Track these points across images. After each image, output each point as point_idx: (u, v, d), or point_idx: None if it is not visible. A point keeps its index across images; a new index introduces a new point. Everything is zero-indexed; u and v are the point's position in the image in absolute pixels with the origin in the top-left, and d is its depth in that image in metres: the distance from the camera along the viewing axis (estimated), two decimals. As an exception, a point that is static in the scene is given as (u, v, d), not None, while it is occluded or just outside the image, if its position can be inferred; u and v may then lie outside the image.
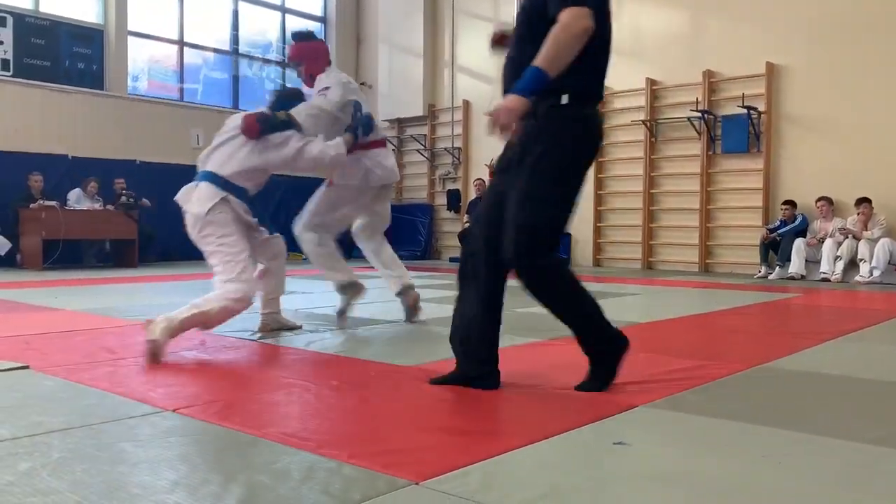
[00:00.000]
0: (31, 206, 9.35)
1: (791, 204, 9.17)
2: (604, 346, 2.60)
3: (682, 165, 10.48)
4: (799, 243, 8.78)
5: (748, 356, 3.24)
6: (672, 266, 10.51)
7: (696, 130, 10.18)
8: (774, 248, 9.10)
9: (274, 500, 1.48)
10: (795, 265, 8.73)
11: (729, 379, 2.75)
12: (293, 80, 14.33)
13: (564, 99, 2.42)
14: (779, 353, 3.32)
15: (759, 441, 1.96)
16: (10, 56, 10.20)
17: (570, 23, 2.31)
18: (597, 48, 2.43)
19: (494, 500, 1.49)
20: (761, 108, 9.62)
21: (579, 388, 2.51)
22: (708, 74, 10.08)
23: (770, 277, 8.88)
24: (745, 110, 9.58)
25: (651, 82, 10.65)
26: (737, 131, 9.81)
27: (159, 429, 2.01)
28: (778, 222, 9.23)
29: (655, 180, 10.77)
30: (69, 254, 9.67)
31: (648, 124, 10.61)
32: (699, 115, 10.02)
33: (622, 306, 5.52)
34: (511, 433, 1.98)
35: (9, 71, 10.20)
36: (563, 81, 2.37)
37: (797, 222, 9.04)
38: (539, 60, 2.32)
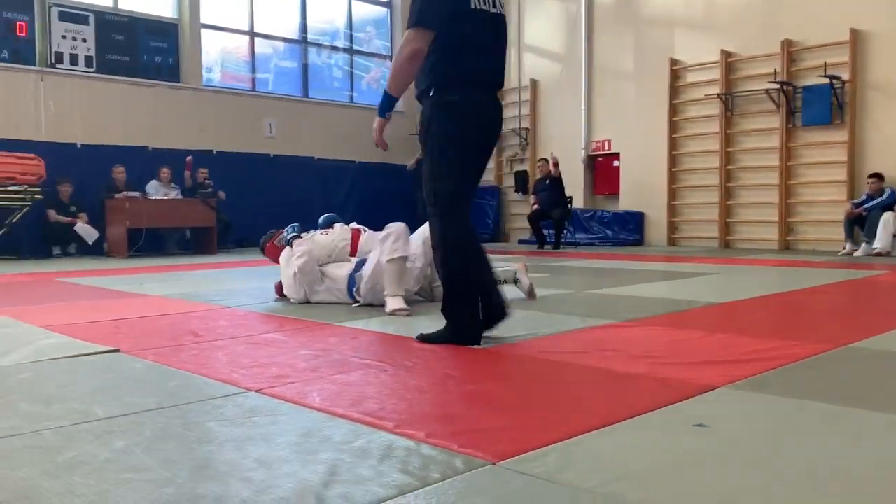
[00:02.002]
0: (116, 196, 9.76)
1: (878, 177, 8.75)
2: (454, 309, 2.99)
3: (760, 140, 10.14)
4: (887, 218, 8.38)
5: (834, 336, 3.11)
6: (751, 244, 10.20)
7: (774, 103, 9.82)
8: (860, 223, 8.72)
9: (354, 479, 1.51)
10: (882, 241, 8.35)
11: (814, 359, 2.66)
12: (360, 66, 14.47)
13: (431, 92, 2.95)
14: (867, 332, 3.18)
15: (848, 424, 1.89)
16: (92, 53, 10.62)
17: (402, 47, 2.88)
18: (455, 47, 2.90)
19: (572, 480, 1.49)
20: (845, 76, 9.20)
21: (419, 336, 3.04)
22: (787, 44, 9.68)
23: (855, 254, 8.51)
24: (827, 80, 9.18)
25: (726, 55, 10.30)
26: (818, 102, 9.41)
27: (243, 409, 2.08)
28: (864, 196, 8.83)
29: (732, 156, 10.44)
30: (152, 242, 10.07)
31: (724, 98, 10.28)
32: (778, 86, 9.65)
33: (700, 286, 5.39)
34: (588, 414, 1.96)
35: (92, 67, 10.62)
36: (429, 79, 2.93)
37: (885, 196, 8.63)
38: (386, 82, 2.98)
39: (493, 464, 1.59)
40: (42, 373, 2.57)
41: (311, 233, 4.64)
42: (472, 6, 2.91)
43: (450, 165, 2.96)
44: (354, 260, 4.47)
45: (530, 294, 4.47)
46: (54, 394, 2.26)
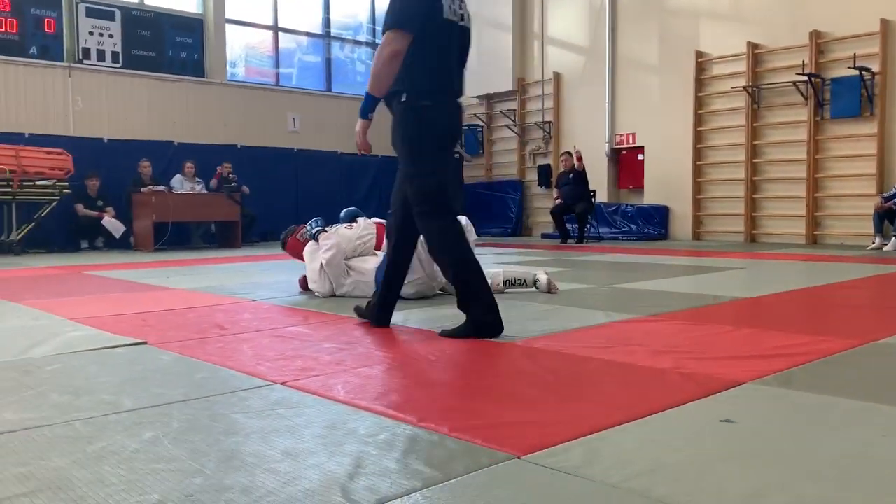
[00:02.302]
0: (142, 190, 9.87)
1: (909, 170, 8.60)
2: (468, 302, 3.05)
3: (787, 133, 10.00)
4: (917, 212, 8.24)
5: (863, 331, 3.07)
6: (777, 238, 10.09)
7: (802, 95, 9.68)
8: (890, 217, 8.58)
9: (379, 471, 1.52)
10: (913, 235, 8.21)
11: (843, 355, 2.62)
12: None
13: (403, 97, 3.03)
14: (897, 328, 3.13)
15: (878, 420, 1.86)
16: (119, 48, 10.74)
17: (381, 49, 2.97)
18: (429, 54, 3.00)
19: (597, 475, 1.48)
20: (875, 68, 9.04)
21: (442, 332, 3.06)
22: (815, 35, 9.54)
23: (885, 249, 8.37)
24: (856, 72, 9.03)
25: (752, 46, 10.17)
26: (848, 94, 9.26)
27: (268, 401, 2.09)
28: (893, 190, 8.68)
29: (758, 149, 10.32)
30: (178, 235, 10.18)
31: (750, 91, 10.15)
32: (806, 78, 9.51)
33: (725, 281, 5.33)
34: (613, 409, 1.96)
35: (119, 63, 10.74)
36: (401, 84, 3.01)
37: (915, 189, 8.48)
38: (367, 84, 3.02)
39: (518, 457, 1.59)
40: (71, 364, 2.61)
41: (335, 227, 4.66)
42: (445, 16, 3.02)
43: (432, 162, 3.09)
44: (381, 253, 4.49)
45: (550, 289, 4.49)
46: (83, 385, 2.30)
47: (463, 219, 4.14)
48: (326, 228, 4.59)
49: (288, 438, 1.75)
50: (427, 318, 3.62)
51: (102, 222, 9.75)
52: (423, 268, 4.22)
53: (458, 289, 3.10)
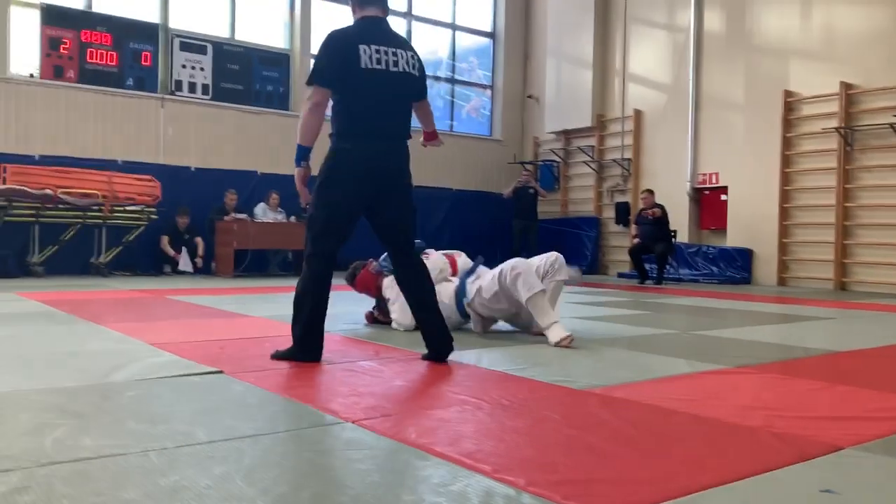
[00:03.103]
0: (226, 218, 10.16)
1: None
2: (297, 337, 3.34)
3: (882, 177, 9.54)
4: None
5: (976, 395, 2.82)
6: (871, 287, 9.57)
7: (899, 138, 9.22)
8: None
9: (453, 526, 1.44)
10: None
11: (955, 422, 2.40)
12: (461, 95, 14.62)
13: (332, 139, 3.34)
14: None
15: None
16: (209, 81, 11.18)
17: (304, 104, 3.32)
18: (348, 101, 3.31)
19: (687, 546, 1.37)
20: (980, 110, 8.54)
21: (273, 355, 3.35)
22: (914, 75, 9.10)
23: None
24: (958, 114, 8.54)
25: (846, 86, 9.79)
26: (949, 137, 8.76)
27: (340, 440, 2.05)
28: None
29: (851, 193, 9.87)
30: (256, 263, 10.42)
31: (843, 132, 9.74)
32: (903, 120, 9.06)
33: (815, 331, 5.05)
34: (701, 469, 1.83)
35: (208, 95, 11.17)
36: (332, 127, 3.35)
37: None
38: (298, 135, 3.32)
39: (599, 520, 1.49)
40: (150, 391, 2.65)
41: None
42: (363, 66, 3.25)
43: (327, 200, 3.33)
44: (454, 279, 4.46)
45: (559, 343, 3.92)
46: (160, 413, 2.32)
47: (554, 254, 4.31)
48: None
49: (358, 482, 1.69)
50: (500, 358, 3.53)
51: (179, 266, 10.03)
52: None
53: (294, 313, 3.35)
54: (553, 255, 4.32)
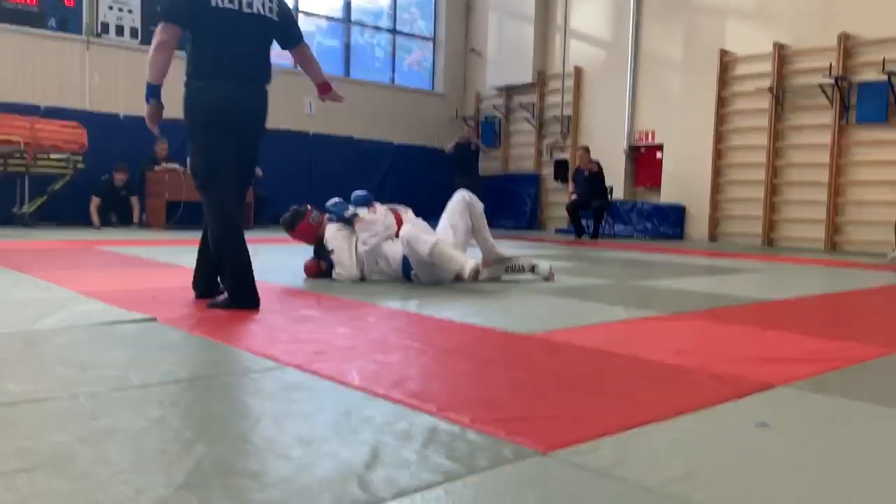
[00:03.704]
0: (156, 168, 9.81)
1: (934, 178, 8.44)
2: (216, 280, 3.43)
3: (810, 136, 9.84)
4: (942, 221, 8.07)
5: (893, 340, 2.96)
6: (796, 243, 9.94)
7: (827, 98, 9.51)
8: (912, 226, 8.41)
9: (399, 462, 1.43)
10: (936, 245, 8.05)
11: (877, 361, 2.52)
12: (403, 47, 14.37)
13: (186, 80, 3.34)
14: (931, 337, 3.02)
15: (923, 431, 1.76)
16: (138, 24, 10.62)
17: (153, 39, 3.29)
18: (200, 42, 3.30)
19: (631, 476, 1.39)
20: (904, 73, 8.86)
21: (209, 304, 3.29)
22: (844, 37, 9.36)
23: (906, 258, 8.21)
24: (885, 76, 8.85)
25: (779, 47, 10.00)
26: (875, 99, 9.10)
27: (281, 384, 2.01)
28: (918, 198, 8.52)
29: (780, 151, 10.16)
30: (190, 215, 10.12)
31: (774, 91, 9.98)
32: (832, 81, 9.33)
33: (745, 282, 5.22)
34: (642, 407, 1.86)
35: (137, 38, 10.63)
36: (187, 68, 3.33)
37: (941, 199, 8.31)
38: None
39: (543, 454, 1.50)
40: (79, 338, 2.54)
41: (350, 209, 4.57)
42: (214, 4, 3.22)
43: (201, 144, 3.31)
44: (402, 238, 4.42)
45: (549, 276, 4.62)
46: (90, 359, 2.23)
47: (465, 193, 4.57)
48: (358, 213, 4.49)
49: (301, 424, 1.66)
50: (443, 306, 3.53)
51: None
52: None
53: (218, 261, 3.34)
54: (459, 195, 4.48)
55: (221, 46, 3.29)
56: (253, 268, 3.32)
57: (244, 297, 3.26)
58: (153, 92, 3.34)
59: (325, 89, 3.86)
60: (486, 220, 4.61)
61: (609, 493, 1.32)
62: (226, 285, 3.32)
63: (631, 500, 1.30)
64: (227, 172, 3.35)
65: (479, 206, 4.58)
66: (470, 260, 4.11)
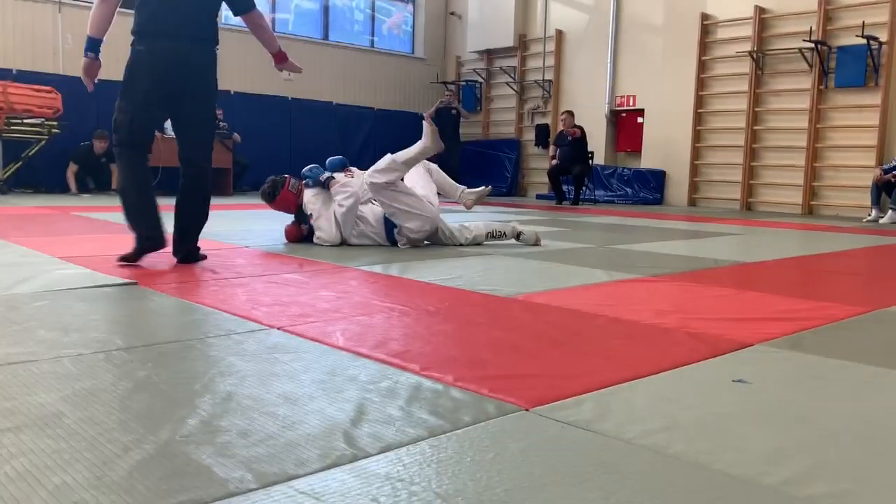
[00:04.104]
0: (133, 133, 9.65)
1: (910, 143, 8.54)
2: (130, 223, 3.40)
3: (789, 100, 9.89)
4: (917, 185, 8.19)
5: (869, 299, 3.03)
6: (773, 207, 10.05)
7: (807, 63, 9.55)
8: (888, 189, 8.55)
9: (383, 419, 1.45)
10: (911, 209, 8.18)
11: (851, 321, 2.57)
12: (382, 10, 14.15)
13: (132, 40, 3.35)
14: (903, 297, 3.09)
15: (894, 385, 1.81)
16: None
17: None
18: (141, 3, 3.31)
19: (610, 430, 1.42)
20: (883, 38, 8.91)
21: (120, 258, 3.34)
22: (824, 2, 9.36)
23: (881, 221, 8.35)
24: (864, 41, 8.88)
25: (760, 10, 9.99)
26: (853, 64, 9.14)
27: (264, 345, 2.02)
28: (893, 162, 8.62)
29: (760, 116, 10.21)
30: (168, 181, 9.99)
31: (755, 56, 9.99)
32: (812, 45, 9.36)
33: (724, 246, 5.28)
34: (621, 365, 1.90)
35: None
36: (132, 26, 3.34)
37: (916, 163, 8.42)
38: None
39: (526, 410, 1.53)
40: (60, 302, 2.53)
41: (326, 173, 4.54)
42: None
43: (126, 101, 3.33)
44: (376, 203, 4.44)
45: (536, 241, 4.69)
46: (72, 323, 2.22)
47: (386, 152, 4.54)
48: (334, 176, 4.48)
49: (286, 383, 1.68)
50: (425, 269, 3.54)
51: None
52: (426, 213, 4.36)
53: (125, 210, 3.39)
54: (387, 158, 4.42)
55: (158, 7, 3.31)
56: (159, 215, 3.43)
57: (150, 236, 3.34)
58: (92, 46, 3.33)
59: (280, 58, 3.80)
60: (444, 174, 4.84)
61: (589, 445, 1.35)
62: (136, 231, 3.37)
63: (611, 452, 1.33)
64: (149, 129, 3.42)
65: (433, 165, 4.78)
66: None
